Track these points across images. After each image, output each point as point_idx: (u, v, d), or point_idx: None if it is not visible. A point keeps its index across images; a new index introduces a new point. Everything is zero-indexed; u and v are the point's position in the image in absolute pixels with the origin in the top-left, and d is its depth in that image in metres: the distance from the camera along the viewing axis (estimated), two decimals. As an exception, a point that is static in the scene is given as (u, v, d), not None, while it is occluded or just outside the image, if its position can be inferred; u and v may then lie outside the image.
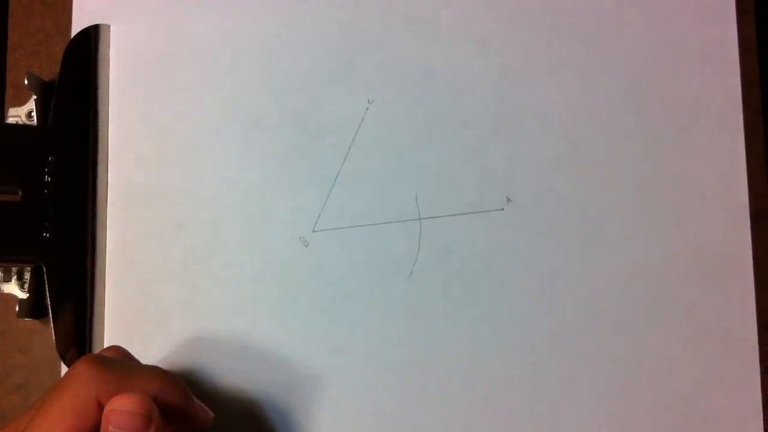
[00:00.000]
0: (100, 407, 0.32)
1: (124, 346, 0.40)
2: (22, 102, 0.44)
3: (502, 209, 0.42)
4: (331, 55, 0.44)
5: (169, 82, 0.44)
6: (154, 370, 0.35)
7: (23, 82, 0.44)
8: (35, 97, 0.43)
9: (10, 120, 0.44)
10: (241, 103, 0.43)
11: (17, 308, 0.43)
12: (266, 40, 0.44)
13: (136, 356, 0.40)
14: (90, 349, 0.42)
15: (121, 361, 0.35)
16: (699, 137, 0.42)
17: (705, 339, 0.41)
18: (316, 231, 0.42)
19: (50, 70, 0.45)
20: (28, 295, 0.43)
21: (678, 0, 0.43)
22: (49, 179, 0.42)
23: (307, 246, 0.42)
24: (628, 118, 0.42)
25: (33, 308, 0.43)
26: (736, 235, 0.41)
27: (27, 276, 0.43)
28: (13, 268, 0.43)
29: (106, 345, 0.43)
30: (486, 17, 0.43)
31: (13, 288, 0.43)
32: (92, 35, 0.44)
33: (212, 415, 0.37)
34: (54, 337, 0.42)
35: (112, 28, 0.45)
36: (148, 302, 0.43)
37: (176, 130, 0.44)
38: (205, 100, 0.44)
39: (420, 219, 0.42)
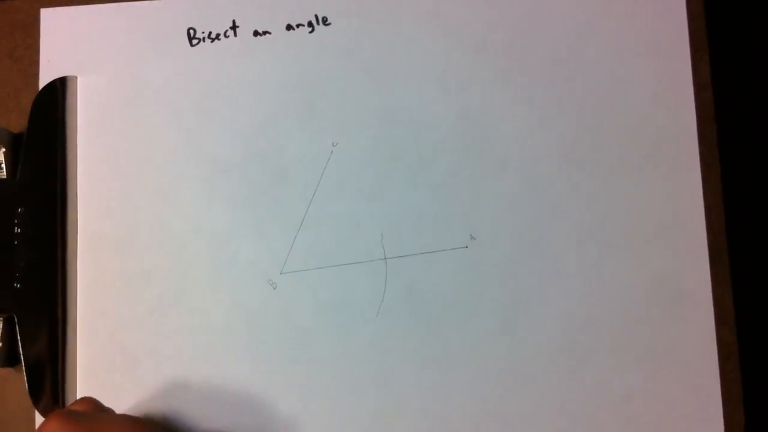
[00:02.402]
0: None
1: (96, 394, 0.42)
2: (-10, 154, 0.46)
3: (466, 247, 0.44)
4: (294, 98, 0.46)
5: (134, 130, 0.46)
6: (124, 422, 0.37)
7: (-9, 134, 0.46)
8: (3, 149, 0.45)
9: (-21, 172, 0.46)
10: (206, 149, 0.46)
11: (-10, 357, 0.44)
12: (229, 86, 0.46)
13: (109, 404, 0.42)
14: (63, 397, 0.44)
15: (91, 415, 0.37)
16: (656, 173, 0.44)
17: (666, 371, 0.43)
18: (284, 273, 0.44)
19: (19, 123, 0.47)
20: (0, 344, 0.44)
21: (633, 40, 0.45)
22: (19, 230, 0.44)
23: (275, 288, 0.44)
24: (586, 155, 0.44)
25: (6, 357, 0.45)
26: (695, 269, 0.43)
27: (-1, 326, 0.44)
28: (-15, 319, 0.44)
29: (78, 393, 0.44)
30: (443, 59, 0.46)
31: (-15, 338, 0.45)
32: (59, 87, 0.46)
33: None
34: (27, 386, 0.43)
35: (79, 79, 0.47)
36: (119, 350, 0.45)
37: (142, 178, 0.46)
38: (170, 147, 0.46)
39: (386, 259, 0.44)
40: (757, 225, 0.43)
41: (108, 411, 0.41)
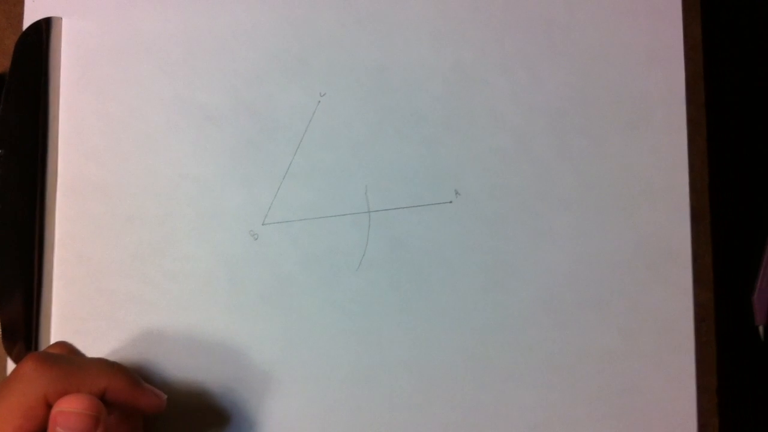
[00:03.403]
0: (48, 406, 0.34)
1: (72, 341, 0.42)
2: (-28, 94, 0.46)
3: (451, 202, 0.44)
4: (284, 49, 0.46)
5: (121, 76, 0.46)
6: (101, 364, 0.37)
7: (-26, 74, 0.45)
8: (-14, 90, 0.45)
9: (-40, 112, 0.45)
10: (194, 97, 0.46)
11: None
12: (219, 35, 0.46)
13: (86, 351, 0.42)
14: (37, 345, 0.44)
15: (67, 358, 0.37)
16: (644, 134, 0.44)
17: (645, 331, 0.43)
18: (266, 224, 0.45)
19: (1, 63, 0.46)
20: (-25, 288, 0.44)
21: (624, 2, 0.45)
22: (-1, 172, 0.44)
23: (256, 239, 0.44)
24: (576, 114, 0.45)
25: (-20, 301, 0.45)
26: (677, 230, 0.44)
27: (-26, 269, 0.45)
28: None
29: (53, 340, 0.45)
30: (439, 14, 0.46)
31: (-40, 281, 0.45)
32: (44, 28, 0.46)
33: (165, 397, 0.39)
34: (0, 332, 0.44)
35: (64, 21, 0.47)
36: (98, 296, 0.45)
37: (128, 124, 0.46)
38: (158, 94, 0.46)
39: (369, 212, 0.44)
40: (741, 189, 0.43)
41: (82, 355, 0.41)
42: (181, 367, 0.44)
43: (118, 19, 0.47)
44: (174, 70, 0.46)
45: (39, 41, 0.46)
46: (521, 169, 0.45)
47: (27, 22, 0.47)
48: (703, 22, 0.44)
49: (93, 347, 0.44)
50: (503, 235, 0.44)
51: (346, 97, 0.46)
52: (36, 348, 0.44)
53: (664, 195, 0.44)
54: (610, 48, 0.45)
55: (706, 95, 0.44)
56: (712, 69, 0.45)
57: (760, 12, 0.45)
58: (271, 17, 0.46)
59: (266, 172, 0.45)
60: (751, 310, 0.43)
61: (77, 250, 0.45)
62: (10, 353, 0.44)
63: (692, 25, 0.45)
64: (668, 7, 0.45)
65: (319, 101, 0.46)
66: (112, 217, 0.45)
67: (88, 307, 0.45)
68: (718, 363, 0.43)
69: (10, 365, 0.45)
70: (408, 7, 0.46)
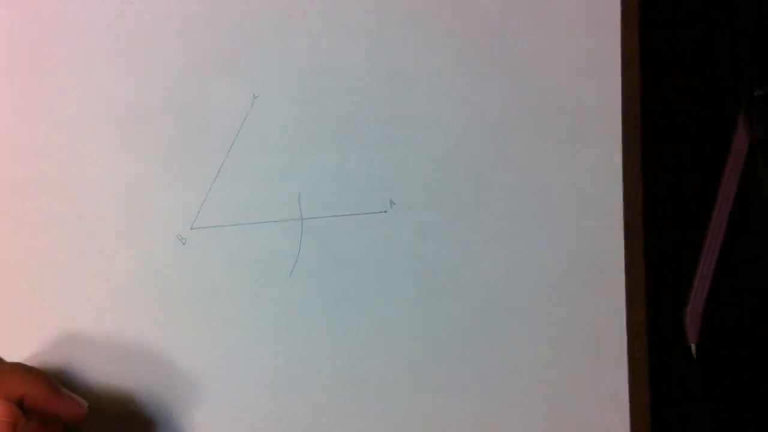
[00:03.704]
0: None
1: None
2: None
3: (385, 212, 0.44)
4: (216, 47, 0.45)
5: (43, 69, 0.45)
6: (19, 369, 0.36)
7: None
8: None
9: None
10: (120, 93, 0.45)
11: None
12: (148, 29, 0.45)
13: (3, 355, 0.40)
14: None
15: None
16: (580, 146, 0.44)
17: (577, 346, 0.43)
18: (194, 228, 0.44)
19: None
20: None
21: (564, 11, 0.45)
22: None
23: (184, 244, 0.43)
24: (513, 124, 0.44)
25: None
26: (610, 245, 0.44)
27: None
28: None
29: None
30: (376, 17, 0.45)
31: None
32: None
33: (86, 404, 0.38)
34: None
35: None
36: (15, 297, 0.44)
37: (50, 120, 0.44)
38: (82, 89, 0.45)
39: (302, 219, 0.44)
40: (675, 205, 0.44)
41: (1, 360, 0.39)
42: (102, 372, 0.43)
43: (41, 9, 0.45)
44: (98, 64, 0.45)
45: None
46: (457, 178, 0.44)
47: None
48: (641, 36, 0.44)
49: (10, 350, 0.41)
50: (437, 245, 0.44)
51: (281, 100, 0.45)
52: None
53: (599, 209, 0.44)
54: (549, 58, 0.45)
55: (642, 110, 0.44)
56: (648, 84, 0.45)
57: (698, 27, 0.46)
58: (203, 12, 0.45)
59: (195, 174, 0.44)
60: (683, 327, 0.44)
61: (2, 253, 0.44)
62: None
63: (630, 39, 0.45)
64: (607, 20, 0.45)
65: (252, 103, 0.45)
66: (32, 216, 0.44)
67: (4, 307, 0.44)
68: (651, 380, 0.43)
69: None
70: (345, 9, 0.45)
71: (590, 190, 0.44)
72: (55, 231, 0.44)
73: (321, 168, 0.44)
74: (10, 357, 0.41)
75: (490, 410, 0.43)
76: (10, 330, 0.43)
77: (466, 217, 0.44)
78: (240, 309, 0.44)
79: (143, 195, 0.44)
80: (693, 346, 0.43)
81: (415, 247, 0.44)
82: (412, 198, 0.44)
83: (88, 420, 0.39)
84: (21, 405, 0.35)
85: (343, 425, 0.43)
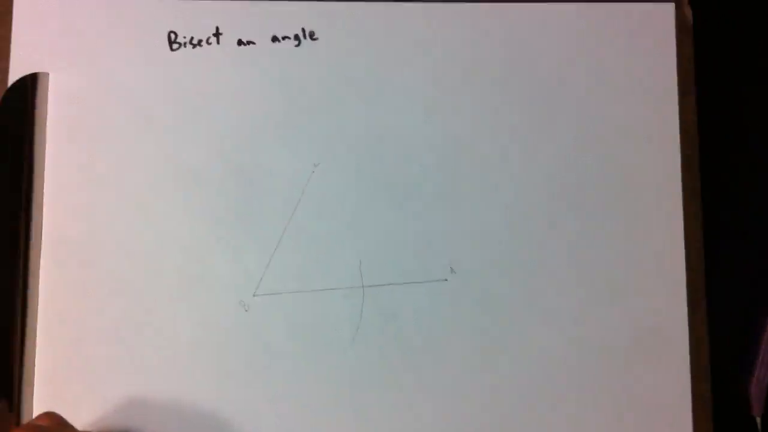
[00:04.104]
0: None
1: (54, 405, 0.42)
2: (-47, 148, 0.45)
3: (446, 280, 0.44)
4: (276, 114, 0.46)
5: (108, 134, 0.45)
6: None
7: (-43, 127, 0.44)
8: (-31, 145, 0.44)
9: (-60, 166, 0.44)
10: (183, 159, 0.45)
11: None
12: (211, 96, 0.46)
13: (67, 416, 0.41)
14: (18, 406, 0.43)
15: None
16: (640, 215, 0.45)
17: (640, 419, 0.44)
18: (257, 295, 0.44)
19: (-15, 117, 0.45)
20: (-47, 352, 0.43)
21: (622, 77, 0.46)
22: (-19, 231, 0.43)
23: (247, 310, 0.44)
24: (570, 192, 0.45)
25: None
26: (673, 317, 0.44)
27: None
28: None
29: (35, 402, 0.44)
30: (433, 84, 0.46)
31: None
32: (30, 83, 0.45)
33: None
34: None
35: (51, 76, 0.45)
36: (80, 361, 0.44)
37: (114, 184, 0.45)
38: (145, 153, 0.45)
39: (363, 287, 0.44)
40: (737, 270, 0.44)
41: (71, 427, 0.40)
42: (163, 436, 0.43)
43: (106, 75, 0.46)
44: (162, 129, 0.46)
45: (25, 97, 0.45)
46: (515, 246, 0.45)
47: (13, 77, 0.46)
48: (698, 105, 0.45)
49: (74, 413, 0.43)
50: (497, 314, 0.44)
51: (340, 167, 0.45)
52: (18, 410, 0.43)
53: (660, 279, 0.44)
54: (606, 126, 0.46)
55: (702, 180, 0.45)
56: (706, 152, 0.45)
57: (753, 96, 0.46)
58: (262, 85, 0.46)
59: (258, 241, 0.45)
60: (748, 400, 0.44)
61: (59, 313, 0.44)
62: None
63: (686, 107, 0.45)
64: (664, 88, 0.46)
65: (313, 171, 0.45)
66: (95, 279, 0.45)
67: (69, 371, 0.44)
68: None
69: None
70: (402, 76, 0.46)
71: (651, 260, 0.44)
72: (118, 294, 0.44)
73: (381, 235, 0.45)
74: (74, 418, 0.42)
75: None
76: (74, 391, 0.44)
77: (525, 285, 0.44)
78: (301, 375, 0.44)
79: (207, 261, 0.45)
80: (758, 420, 0.43)
81: (474, 315, 0.44)
82: (472, 266, 0.45)
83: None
84: None
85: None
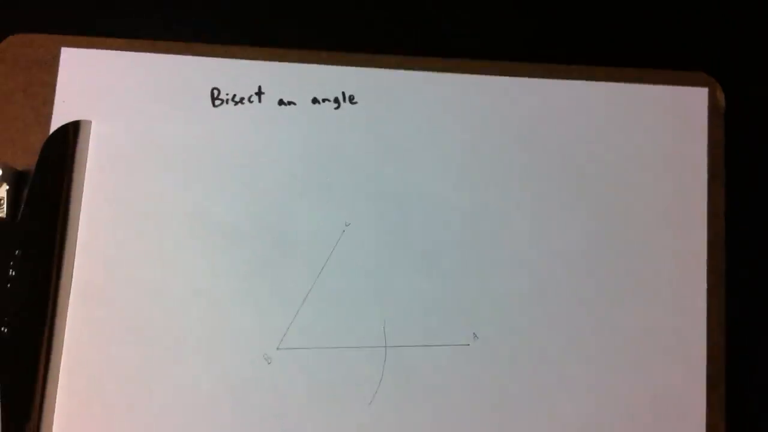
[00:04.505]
0: None
1: None
2: (-9, 189, 0.46)
3: (468, 345, 0.45)
4: (311, 173, 0.47)
5: (143, 185, 0.46)
6: None
7: (-6, 168, 0.45)
8: (7, 187, 0.45)
9: (-22, 207, 0.45)
10: (215, 213, 0.46)
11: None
12: (249, 152, 0.47)
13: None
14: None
15: None
16: (664, 294, 0.45)
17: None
18: (280, 349, 0.45)
19: (24, 161, 0.47)
20: (-23, 390, 0.44)
21: (651, 157, 0.47)
22: (13, 273, 0.44)
23: (269, 363, 0.44)
24: (595, 266, 0.46)
25: (-19, 404, 0.44)
26: (692, 395, 0.45)
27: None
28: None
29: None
30: (465, 154, 0.47)
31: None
32: (72, 131, 0.46)
33: None
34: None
35: (92, 125, 0.47)
36: (100, 408, 0.45)
37: (145, 234, 0.46)
38: (178, 206, 0.46)
39: (386, 346, 0.45)
40: (759, 355, 0.45)
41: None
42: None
43: (146, 128, 0.47)
44: (196, 183, 0.47)
45: (66, 144, 0.46)
46: (539, 315, 0.45)
47: (55, 123, 0.47)
48: (727, 189, 0.46)
49: None
50: (518, 382, 0.45)
51: (370, 229, 0.46)
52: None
53: (681, 358, 0.45)
54: (634, 204, 0.47)
55: (727, 262, 0.45)
56: (732, 236, 0.46)
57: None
58: (300, 144, 0.47)
59: (283, 295, 0.45)
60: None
61: (82, 359, 0.45)
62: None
63: (716, 191, 0.46)
64: (693, 170, 0.47)
65: (344, 231, 0.46)
66: (121, 326, 0.45)
67: (89, 418, 0.45)
68: None
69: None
70: (436, 143, 0.47)
71: (673, 339, 0.45)
72: (141, 342, 0.45)
73: (407, 297, 0.45)
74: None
75: None
76: (91, 438, 0.44)
77: (547, 355, 0.45)
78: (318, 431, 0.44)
79: (232, 313, 0.45)
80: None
81: (496, 382, 0.45)
82: (495, 333, 0.45)
83: None
84: None
85: None
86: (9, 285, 0.44)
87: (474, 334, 0.45)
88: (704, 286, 0.46)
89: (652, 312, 0.45)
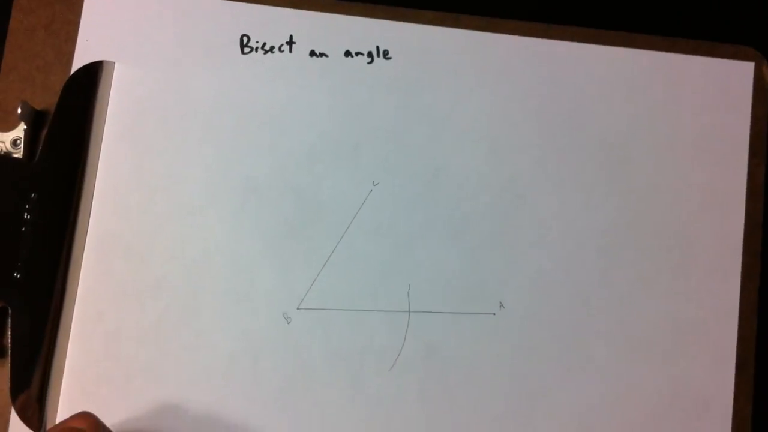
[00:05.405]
0: None
1: (82, 403, 0.42)
2: (8, 128, 0.44)
3: (494, 314, 0.44)
4: (340, 129, 0.46)
5: (166, 134, 0.45)
6: None
7: (12, 106, 0.44)
8: (25, 126, 0.44)
9: (-7, 145, 0.44)
10: (240, 168, 0.45)
11: (-26, 347, 0.43)
12: (277, 104, 0.45)
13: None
14: (44, 400, 0.43)
15: None
16: (695, 276, 0.45)
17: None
18: (300, 309, 0.44)
19: (44, 100, 0.45)
20: (-14, 335, 0.43)
21: (690, 136, 0.46)
22: (28, 217, 0.43)
23: (289, 323, 0.44)
24: (626, 245, 0.45)
25: (-10, 349, 0.43)
26: (719, 379, 0.44)
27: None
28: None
29: (62, 398, 0.43)
30: (501, 122, 0.46)
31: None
32: (95, 71, 0.45)
33: None
34: (9, 383, 0.42)
35: (116, 66, 0.45)
36: (113, 361, 0.44)
37: (166, 185, 0.45)
38: (202, 159, 0.45)
39: (409, 312, 0.44)
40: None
41: (108, 430, 0.39)
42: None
43: (171, 72, 0.46)
44: (221, 137, 0.45)
45: (89, 84, 0.45)
46: (566, 291, 0.45)
47: (77, 62, 0.45)
48: (767, 168, 0.45)
49: (101, 412, 0.41)
50: (539, 358, 0.44)
51: (398, 190, 0.45)
52: (43, 404, 0.43)
53: (710, 341, 0.44)
54: (668, 183, 0.46)
55: (763, 243, 0.44)
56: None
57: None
58: (329, 99, 0.46)
59: (307, 254, 0.45)
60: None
61: (97, 310, 0.44)
62: (14, 404, 0.42)
63: (756, 170, 0.45)
64: (734, 148, 0.46)
65: (371, 190, 0.45)
66: (138, 280, 0.44)
67: (101, 370, 0.44)
68: None
69: (13, 415, 0.43)
70: (469, 108, 0.46)
71: (702, 321, 0.44)
72: (159, 296, 0.44)
73: (433, 263, 0.45)
74: (106, 420, 0.41)
75: None
76: (103, 392, 0.44)
77: (571, 333, 0.44)
78: (335, 395, 0.44)
79: (253, 270, 0.44)
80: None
81: (517, 356, 0.44)
82: (520, 305, 0.44)
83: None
84: None
85: None
86: (23, 229, 0.43)
87: (500, 303, 0.44)
88: (738, 267, 0.45)
89: (683, 292, 0.45)
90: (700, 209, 0.45)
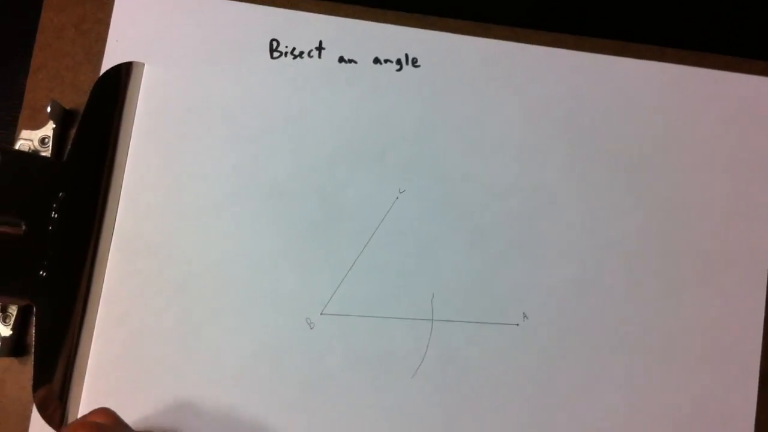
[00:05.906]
0: None
1: (102, 401, 0.42)
2: (36, 126, 0.45)
3: (517, 324, 0.44)
4: (367, 136, 0.46)
5: (193, 135, 0.45)
6: None
7: (41, 104, 0.45)
8: (54, 125, 0.44)
9: (21, 143, 0.44)
10: (265, 171, 0.45)
11: (-1, 345, 0.43)
12: (304, 109, 0.46)
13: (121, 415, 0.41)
14: (66, 397, 0.43)
15: (114, 430, 0.36)
16: (720, 291, 0.45)
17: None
18: (324, 314, 0.44)
19: (72, 99, 0.46)
20: (11, 332, 0.43)
21: (718, 152, 0.46)
22: (56, 216, 0.43)
23: (312, 328, 0.44)
24: (651, 259, 0.45)
25: (14, 346, 0.43)
26: (742, 394, 0.44)
27: (10, 311, 0.43)
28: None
29: (84, 396, 0.43)
30: (528, 132, 0.46)
31: (-5, 323, 0.43)
32: (125, 72, 0.45)
33: None
34: (32, 380, 0.42)
35: (145, 67, 0.45)
36: (135, 360, 0.44)
37: (193, 187, 0.45)
38: (228, 161, 0.45)
39: (432, 320, 0.44)
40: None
41: (128, 427, 0.39)
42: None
43: (199, 74, 0.46)
44: (247, 140, 0.46)
45: (118, 85, 0.45)
46: (588, 304, 0.45)
47: (107, 62, 0.46)
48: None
49: (122, 411, 0.42)
50: (562, 368, 0.44)
51: (424, 198, 0.45)
52: (65, 400, 0.43)
53: (734, 356, 0.44)
54: (695, 197, 0.46)
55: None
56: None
57: None
58: (357, 105, 0.46)
59: (332, 259, 0.45)
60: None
61: (121, 310, 0.44)
62: (35, 399, 0.42)
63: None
64: (761, 163, 0.46)
65: (398, 197, 0.45)
66: (162, 281, 0.44)
67: (123, 368, 0.44)
68: None
69: (34, 413, 0.43)
70: (497, 116, 0.46)
71: (726, 336, 0.45)
72: (183, 297, 0.44)
73: (457, 272, 0.45)
74: (127, 419, 0.41)
75: None
76: (125, 390, 0.44)
77: (594, 344, 0.45)
78: (356, 402, 0.44)
79: (278, 274, 0.45)
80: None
81: (540, 366, 0.44)
82: (543, 315, 0.45)
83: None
84: None
85: None
86: (50, 228, 0.43)
87: (524, 314, 0.45)
88: (764, 281, 0.45)
89: (707, 305, 0.45)
90: (725, 222, 0.45)
